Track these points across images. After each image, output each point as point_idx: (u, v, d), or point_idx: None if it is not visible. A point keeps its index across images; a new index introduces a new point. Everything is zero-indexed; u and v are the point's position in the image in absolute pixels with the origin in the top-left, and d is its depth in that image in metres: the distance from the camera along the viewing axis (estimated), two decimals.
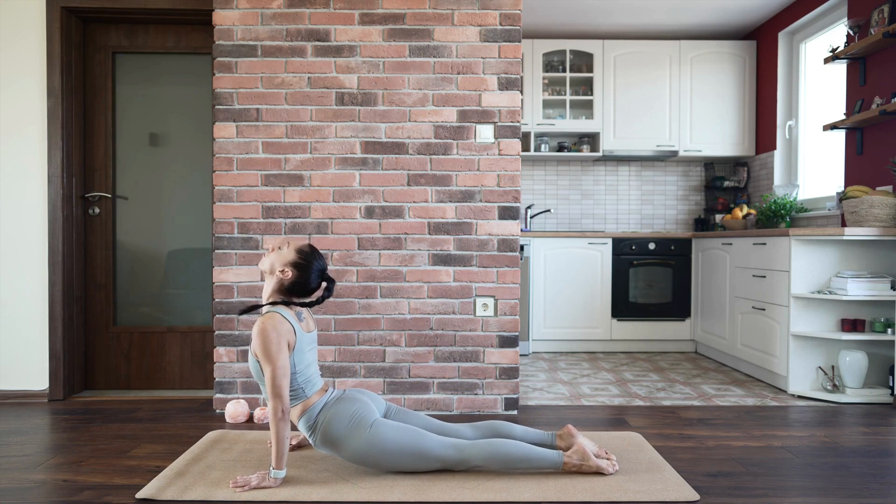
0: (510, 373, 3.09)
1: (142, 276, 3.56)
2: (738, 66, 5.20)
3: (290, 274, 2.19)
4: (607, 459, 2.26)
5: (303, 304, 2.26)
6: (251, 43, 3.07)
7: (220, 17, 3.06)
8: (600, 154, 5.23)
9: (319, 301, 2.24)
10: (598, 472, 2.20)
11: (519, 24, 3.08)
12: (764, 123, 5.08)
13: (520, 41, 3.09)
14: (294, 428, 2.49)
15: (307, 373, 2.19)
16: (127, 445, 2.57)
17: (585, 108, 5.37)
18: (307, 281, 2.21)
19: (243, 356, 3.08)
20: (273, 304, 2.20)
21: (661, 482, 2.14)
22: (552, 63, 5.34)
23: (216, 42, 3.07)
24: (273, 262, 2.21)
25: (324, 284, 2.40)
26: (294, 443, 2.50)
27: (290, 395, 2.15)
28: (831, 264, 3.46)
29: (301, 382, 2.17)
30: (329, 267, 3.07)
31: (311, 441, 2.21)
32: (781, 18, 4.81)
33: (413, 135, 3.09)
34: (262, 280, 3.06)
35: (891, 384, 3.29)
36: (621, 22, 5.06)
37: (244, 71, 3.07)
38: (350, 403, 2.18)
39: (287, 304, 2.21)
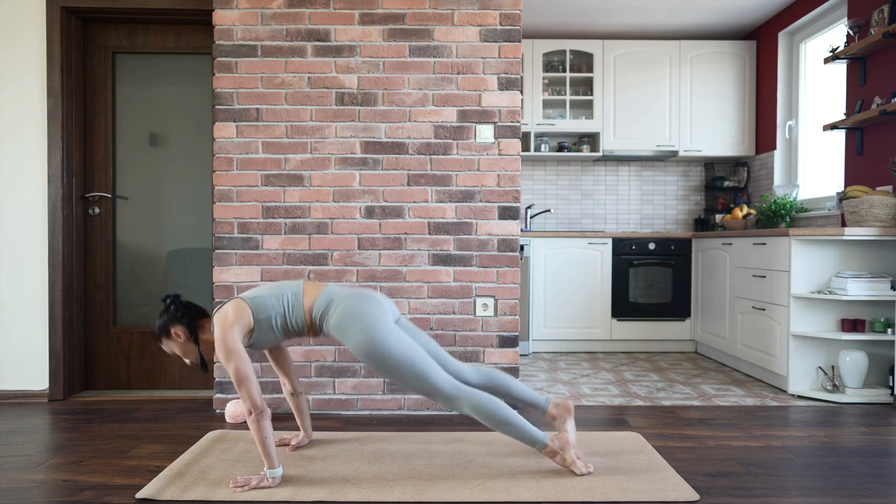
0: (510, 373, 3.09)
1: (142, 276, 3.56)
2: (738, 66, 5.20)
3: (180, 331, 2.20)
4: (581, 462, 2.25)
5: (202, 317, 2.26)
6: (251, 43, 3.07)
7: (220, 17, 3.06)
8: (600, 154, 5.23)
9: (186, 308, 2.22)
10: (570, 469, 2.20)
11: (519, 24, 3.08)
12: (764, 123, 5.08)
13: (520, 41, 3.09)
14: (308, 333, 2.28)
15: (284, 297, 2.21)
16: (127, 445, 2.57)
17: (585, 108, 5.37)
18: (174, 317, 2.20)
19: None
20: (197, 324, 2.22)
21: (661, 482, 2.15)
22: (552, 63, 5.34)
23: (216, 42, 3.07)
24: (184, 351, 2.23)
25: (175, 301, 2.27)
26: (294, 443, 2.50)
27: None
28: (831, 264, 3.46)
29: (284, 316, 2.20)
30: (329, 267, 3.08)
31: (321, 325, 2.22)
32: (781, 18, 4.81)
33: (413, 135, 3.09)
34: (260, 280, 3.06)
35: (891, 384, 3.29)
36: (621, 22, 5.06)
37: (244, 71, 3.07)
38: (369, 302, 2.18)
39: (202, 324, 2.24)
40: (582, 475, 2.19)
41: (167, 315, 2.21)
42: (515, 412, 2.18)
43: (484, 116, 3.09)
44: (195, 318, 2.23)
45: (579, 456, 2.27)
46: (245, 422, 2.93)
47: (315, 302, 2.22)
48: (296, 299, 2.22)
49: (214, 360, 2.57)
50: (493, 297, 3.09)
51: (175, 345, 2.22)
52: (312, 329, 2.25)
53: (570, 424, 2.30)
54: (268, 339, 2.23)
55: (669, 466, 2.30)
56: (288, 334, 2.25)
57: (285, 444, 2.51)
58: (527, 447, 2.52)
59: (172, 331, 2.20)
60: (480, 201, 3.09)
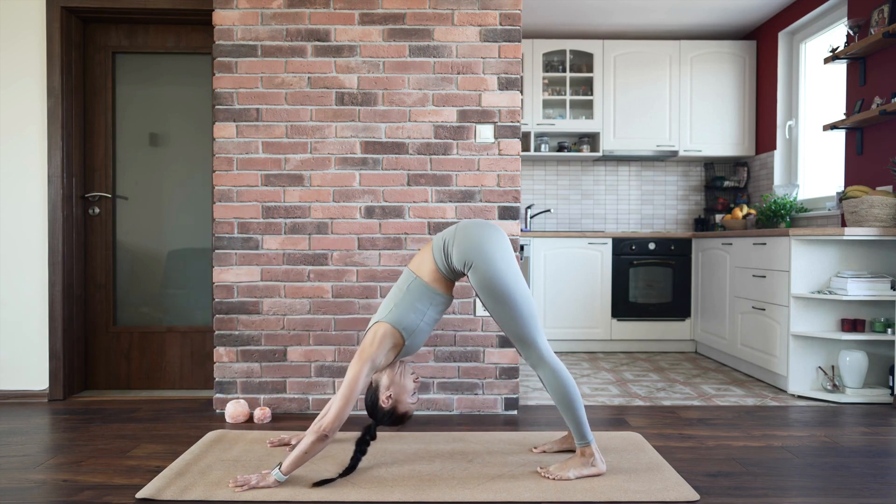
0: (510, 373, 3.09)
1: (142, 275, 3.56)
2: (738, 66, 5.20)
3: (390, 397, 2.21)
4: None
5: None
6: (251, 43, 3.07)
7: (220, 17, 3.06)
8: (600, 154, 5.23)
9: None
10: (562, 477, 2.18)
11: (519, 24, 3.08)
12: (764, 123, 5.08)
13: (520, 41, 3.09)
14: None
15: (422, 316, 2.24)
16: (127, 445, 2.57)
17: (585, 108, 5.37)
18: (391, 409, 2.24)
19: (243, 356, 3.08)
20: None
21: (661, 482, 2.14)
22: (552, 63, 5.34)
23: (216, 42, 3.07)
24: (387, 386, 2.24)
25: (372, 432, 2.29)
26: (294, 442, 2.50)
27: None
28: (831, 264, 3.46)
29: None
30: (329, 267, 3.08)
31: (454, 269, 2.24)
32: (781, 18, 4.81)
33: (413, 135, 3.09)
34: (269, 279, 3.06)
35: (891, 384, 3.29)
36: (621, 22, 5.06)
37: (244, 71, 3.07)
38: (486, 231, 2.23)
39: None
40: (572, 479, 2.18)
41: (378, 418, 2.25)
42: (582, 401, 2.23)
43: (484, 116, 3.09)
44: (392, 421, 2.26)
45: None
46: (245, 422, 2.93)
47: (435, 262, 2.24)
48: (424, 291, 2.23)
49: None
50: None
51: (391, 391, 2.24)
52: (453, 281, 2.29)
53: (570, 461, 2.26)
54: (423, 335, 2.26)
55: (669, 466, 2.29)
56: (434, 321, 2.28)
57: (285, 444, 2.52)
58: (527, 447, 2.51)
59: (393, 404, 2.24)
60: (480, 201, 3.09)
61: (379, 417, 2.22)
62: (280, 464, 2.09)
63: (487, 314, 3.10)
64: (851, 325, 3.36)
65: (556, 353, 4.85)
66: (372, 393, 2.21)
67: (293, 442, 2.50)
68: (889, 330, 3.31)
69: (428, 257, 2.26)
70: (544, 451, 2.44)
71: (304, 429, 2.80)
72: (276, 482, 2.08)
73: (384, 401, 2.20)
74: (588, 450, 2.20)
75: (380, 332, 2.17)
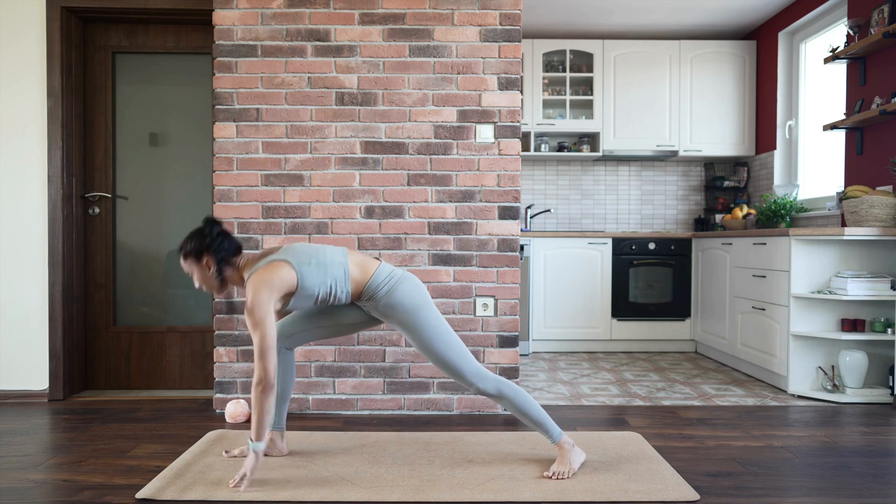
0: (510, 373, 3.09)
1: (142, 275, 3.56)
2: (738, 66, 5.20)
3: (209, 260, 2.14)
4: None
5: (235, 254, 2.20)
6: (251, 43, 3.07)
7: (220, 17, 3.06)
8: (600, 154, 5.23)
9: (227, 238, 2.18)
10: (558, 475, 2.18)
11: (519, 24, 3.08)
12: (764, 123, 5.08)
13: (520, 41, 3.09)
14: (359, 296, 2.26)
15: (332, 278, 2.17)
16: (127, 445, 2.57)
17: (585, 108, 5.36)
18: (210, 244, 2.14)
19: (243, 356, 3.08)
20: (229, 261, 2.17)
21: (661, 482, 2.14)
22: (552, 63, 5.34)
23: (216, 42, 3.07)
24: (205, 279, 2.17)
25: (210, 231, 2.18)
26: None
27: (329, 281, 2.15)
28: (831, 264, 3.46)
29: (331, 283, 2.17)
30: None
31: (370, 304, 2.23)
32: (781, 18, 4.81)
33: (413, 135, 3.09)
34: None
35: (891, 384, 3.29)
36: (621, 22, 5.06)
37: (244, 71, 3.07)
38: (421, 288, 2.26)
39: (233, 261, 2.19)
40: (566, 478, 2.18)
41: (204, 240, 2.14)
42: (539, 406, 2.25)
43: (484, 116, 3.09)
44: (230, 253, 2.18)
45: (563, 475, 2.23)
46: (245, 422, 2.93)
47: (371, 280, 2.20)
48: (344, 276, 2.19)
49: (222, 297, 2.45)
50: (493, 296, 3.09)
51: (198, 270, 2.17)
52: (357, 299, 2.26)
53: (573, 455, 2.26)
54: (301, 306, 2.20)
55: (669, 466, 2.30)
56: (324, 304, 2.23)
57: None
58: (527, 447, 2.51)
59: (204, 258, 2.14)
60: (480, 201, 3.09)
61: (191, 248, 2.15)
62: (250, 438, 2.08)
63: (487, 314, 3.10)
64: (851, 325, 3.36)
65: (556, 353, 4.86)
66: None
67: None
68: (889, 330, 3.31)
69: (366, 271, 2.22)
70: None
71: (304, 429, 2.81)
72: (257, 452, 2.06)
73: (204, 262, 2.14)
74: (562, 444, 2.23)
75: (283, 270, 2.10)
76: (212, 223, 2.17)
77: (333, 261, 2.18)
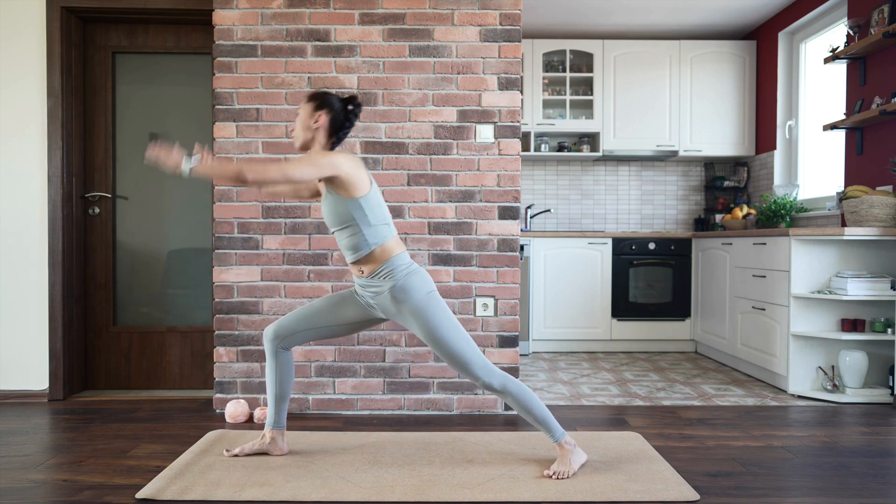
0: (510, 373, 3.09)
1: (142, 275, 3.56)
2: (738, 66, 5.20)
3: (322, 117, 2.23)
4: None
5: (345, 136, 2.31)
6: (251, 43, 3.07)
7: (220, 17, 3.06)
8: (600, 154, 5.23)
9: (351, 124, 2.29)
10: (559, 475, 2.18)
11: (519, 24, 3.08)
12: (764, 123, 5.08)
13: (520, 41, 3.09)
14: (364, 271, 2.25)
15: (385, 222, 2.23)
16: (127, 445, 2.57)
17: (585, 108, 5.36)
18: (336, 109, 2.24)
19: (243, 356, 3.08)
20: (334, 136, 2.27)
21: (661, 482, 2.14)
22: (552, 63, 5.34)
23: (216, 42, 3.07)
24: (303, 123, 2.24)
25: (349, 107, 2.29)
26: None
27: (369, 234, 2.19)
28: (831, 264, 3.46)
29: (381, 229, 2.21)
30: (329, 267, 3.08)
31: (373, 293, 2.24)
32: (781, 18, 4.81)
33: (413, 135, 3.09)
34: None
35: (891, 384, 3.29)
36: (621, 22, 5.06)
37: (244, 71, 3.07)
38: (432, 282, 2.28)
39: (334, 136, 2.27)
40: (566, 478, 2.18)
41: (337, 104, 2.24)
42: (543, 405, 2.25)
43: (484, 116, 3.09)
44: (339, 129, 2.27)
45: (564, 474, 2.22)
46: (245, 422, 2.93)
47: (397, 257, 2.21)
48: (389, 232, 2.23)
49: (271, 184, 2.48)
50: (493, 296, 3.09)
51: (306, 117, 2.24)
52: (370, 275, 2.23)
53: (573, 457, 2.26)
54: (346, 216, 2.18)
55: (669, 466, 2.30)
56: (354, 237, 2.20)
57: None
58: (527, 447, 2.52)
59: (322, 112, 2.23)
60: (480, 201, 3.09)
61: (327, 98, 2.26)
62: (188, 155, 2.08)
63: (487, 314, 3.10)
64: (851, 325, 3.36)
65: (556, 353, 4.86)
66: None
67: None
68: (889, 330, 3.31)
69: (398, 247, 2.24)
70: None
71: (304, 429, 2.81)
72: (193, 168, 2.05)
73: (318, 116, 2.23)
74: (564, 444, 2.23)
75: (366, 172, 2.20)
76: (357, 105, 2.27)
77: (390, 221, 2.26)
